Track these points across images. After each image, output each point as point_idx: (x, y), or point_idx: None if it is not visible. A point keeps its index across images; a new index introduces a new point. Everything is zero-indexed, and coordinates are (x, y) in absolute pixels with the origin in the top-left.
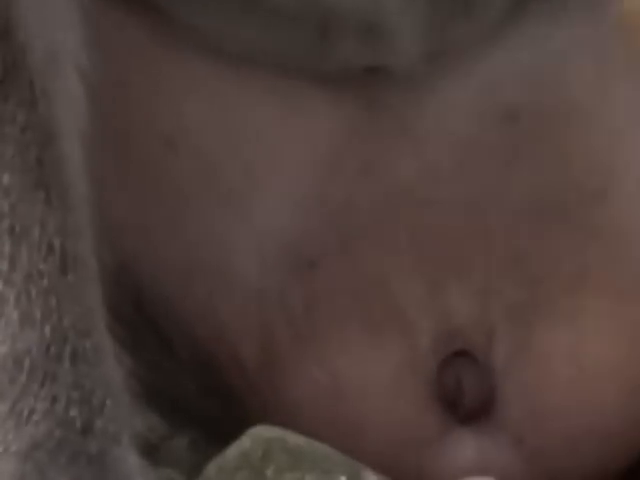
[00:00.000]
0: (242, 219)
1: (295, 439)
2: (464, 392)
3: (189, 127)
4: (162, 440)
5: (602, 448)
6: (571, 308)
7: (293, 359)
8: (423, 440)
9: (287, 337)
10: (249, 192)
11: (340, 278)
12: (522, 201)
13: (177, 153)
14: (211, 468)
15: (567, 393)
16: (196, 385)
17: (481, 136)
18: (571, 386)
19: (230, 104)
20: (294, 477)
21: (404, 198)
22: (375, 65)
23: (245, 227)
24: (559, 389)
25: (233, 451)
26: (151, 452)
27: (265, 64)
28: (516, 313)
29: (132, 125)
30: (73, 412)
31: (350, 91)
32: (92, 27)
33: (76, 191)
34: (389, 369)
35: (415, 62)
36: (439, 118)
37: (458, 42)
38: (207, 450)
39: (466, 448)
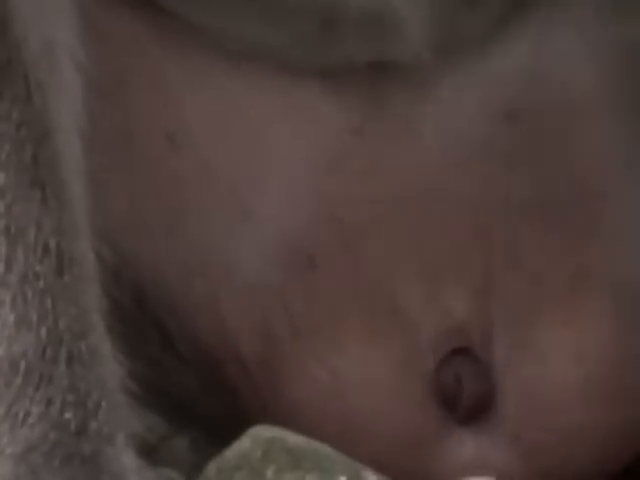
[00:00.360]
0: (243, 217)
1: (295, 439)
2: (463, 390)
3: (190, 124)
4: (162, 440)
5: (598, 447)
6: (570, 307)
7: (293, 357)
8: (422, 438)
9: (287, 335)
10: (250, 189)
11: (340, 276)
12: (523, 200)
13: (178, 150)
14: (211, 468)
15: (565, 391)
16: (197, 383)
17: (483, 135)
18: (568, 384)
19: (232, 101)
20: (294, 477)
21: (405, 197)
22: (378, 60)
23: (246, 225)
24: (557, 387)
25: (233, 451)
26: (150, 452)
27: (267, 60)
28: (515, 311)
29: (133, 122)
30: (68, 415)
31: (353, 90)
32: (87, 19)
33: (72, 188)
34: (389, 367)
35: (418, 57)
36: (441, 117)
37: (461, 38)
38: (207, 450)
39: (465, 446)
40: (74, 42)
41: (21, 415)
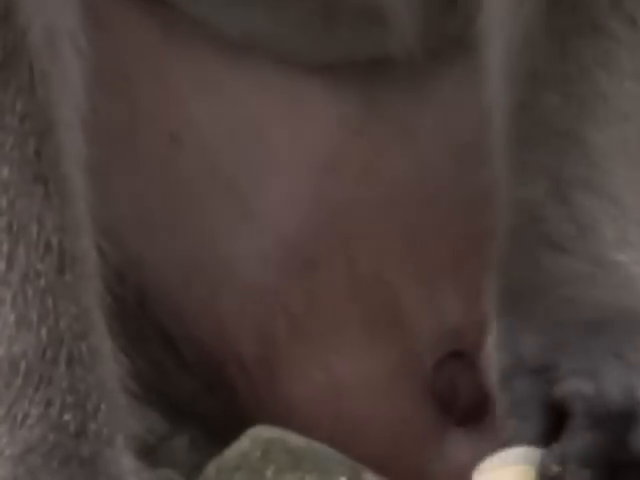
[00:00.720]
0: (243, 217)
1: (295, 439)
2: (458, 393)
3: (194, 123)
4: (162, 440)
5: None
6: None
7: (291, 357)
8: (418, 440)
9: (286, 335)
10: (250, 190)
11: (339, 277)
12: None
13: (182, 149)
14: (210, 468)
15: None
16: (197, 384)
17: (476, 137)
18: None
19: (234, 101)
20: (294, 477)
21: (402, 198)
22: (374, 55)
23: (246, 225)
24: None
25: (232, 451)
26: (150, 453)
27: (270, 54)
28: None
29: (138, 121)
30: (67, 416)
31: (353, 90)
32: (88, 5)
33: (74, 183)
34: (386, 369)
35: (411, 54)
36: (437, 119)
37: (453, 37)
38: (207, 449)
39: (460, 447)
40: (75, 28)
41: (20, 416)
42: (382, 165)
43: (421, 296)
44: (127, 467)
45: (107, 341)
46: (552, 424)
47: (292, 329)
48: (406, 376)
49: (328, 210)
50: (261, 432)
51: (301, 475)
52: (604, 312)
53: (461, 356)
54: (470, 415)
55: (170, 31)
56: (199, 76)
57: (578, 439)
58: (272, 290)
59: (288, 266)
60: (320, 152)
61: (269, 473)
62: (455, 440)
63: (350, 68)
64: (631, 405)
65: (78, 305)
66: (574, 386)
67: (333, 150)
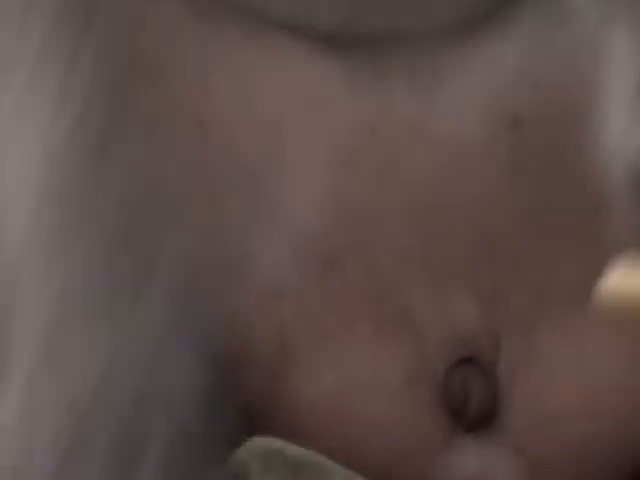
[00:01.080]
0: (263, 214)
1: (294, 451)
2: (470, 399)
3: (221, 112)
4: None
5: (604, 459)
6: (573, 318)
7: (304, 359)
8: (427, 446)
9: (300, 337)
10: (271, 188)
11: (354, 280)
12: (526, 208)
13: (208, 139)
14: None
15: (569, 403)
16: (211, 383)
17: (488, 139)
18: (573, 396)
19: (260, 94)
20: None
21: (416, 201)
22: (383, 36)
23: (265, 223)
24: (562, 399)
25: (230, 463)
26: None
27: (287, 27)
28: (521, 321)
29: (163, 108)
30: None
31: (368, 85)
32: None
33: None
34: (397, 374)
35: (421, 42)
36: (451, 121)
37: (461, 24)
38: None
39: (469, 456)
40: None
41: None
42: (396, 167)
43: (434, 301)
44: None
45: None
46: None
47: (307, 331)
48: (417, 381)
49: (345, 210)
50: (259, 443)
51: None
52: None
53: (472, 362)
54: (479, 421)
55: (199, 15)
56: (228, 64)
57: None
58: (288, 289)
59: (305, 266)
60: (337, 151)
61: None
62: (463, 445)
63: (369, 59)
64: None
65: None
66: None
67: (349, 149)
